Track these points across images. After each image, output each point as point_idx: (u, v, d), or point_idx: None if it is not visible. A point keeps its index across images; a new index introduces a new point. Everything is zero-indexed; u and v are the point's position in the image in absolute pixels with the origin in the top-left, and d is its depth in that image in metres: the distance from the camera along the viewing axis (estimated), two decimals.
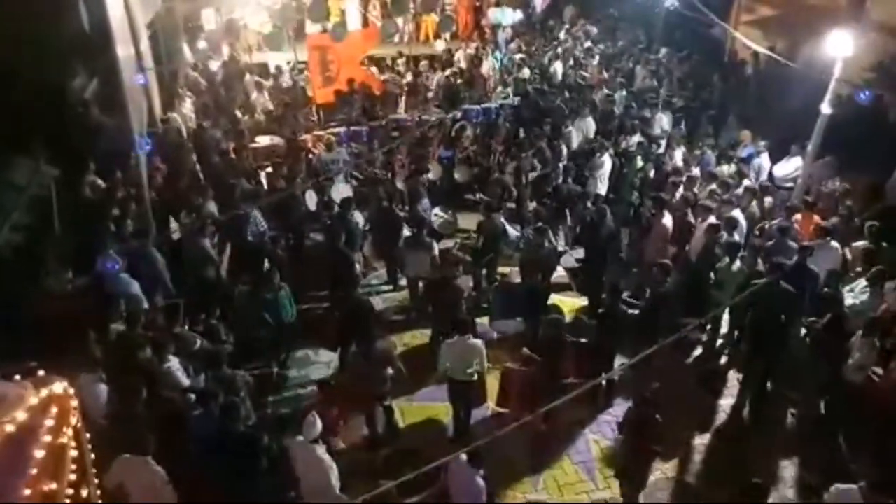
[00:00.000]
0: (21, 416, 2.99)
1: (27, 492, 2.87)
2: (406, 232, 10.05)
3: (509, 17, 18.13)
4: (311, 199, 11.31)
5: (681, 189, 10.63)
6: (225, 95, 14.75)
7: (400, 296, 10.42)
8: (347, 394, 7.50)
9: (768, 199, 10.61)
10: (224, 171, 11.30)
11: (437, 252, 9.52)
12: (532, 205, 11.31)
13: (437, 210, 11.47)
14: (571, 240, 11.37)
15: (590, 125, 13.29)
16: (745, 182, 10.87)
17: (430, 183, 12.22)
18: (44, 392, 3.17)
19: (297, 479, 6.25)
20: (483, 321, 9.20)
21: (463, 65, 16.80)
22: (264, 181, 11.70)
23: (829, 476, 7.30)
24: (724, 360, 9.27)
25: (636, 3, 18.39)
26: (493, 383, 8.02)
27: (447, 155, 12.93)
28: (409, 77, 15.98)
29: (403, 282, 10.37)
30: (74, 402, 3.42)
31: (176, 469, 5.92)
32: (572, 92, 15.02)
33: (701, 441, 7.97)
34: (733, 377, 8.89)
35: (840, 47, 9.06)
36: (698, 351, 9.38)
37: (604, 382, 8.18)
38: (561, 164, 12.09)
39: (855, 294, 8.28)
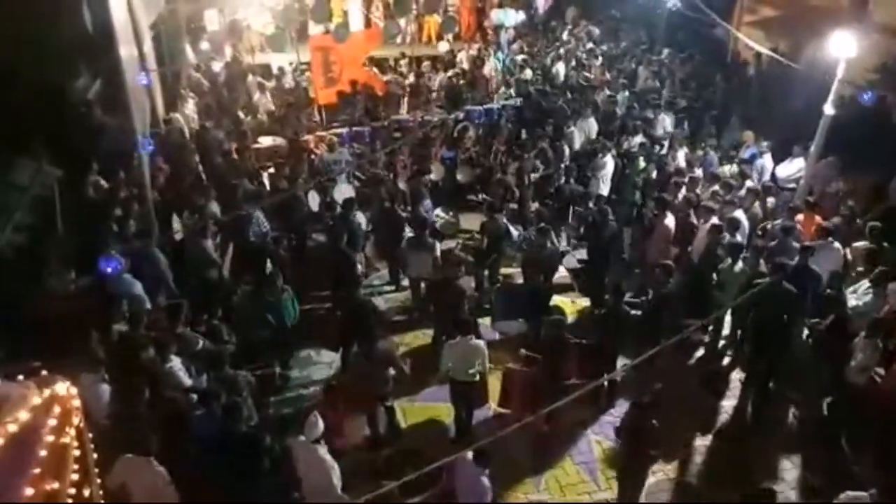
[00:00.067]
0: (24, 415, 3.00)
1: (30, 491, 2.88)
2: (408, 232, 10.05)
3: (512, 17, 18.12)
4: (314, 200, 11.32)
5: (683, 190, 10.61)
6: (227, 96, 14.77)
7: (402, 296, 10.43)
8: (349, 394, 7.50)
9: (771, 200, 10.61)
10: (226, 172, 11.31)
11: (439, 253, 9.53)
12: (534, 205, 11.31)
13: (438, 210, 11.48)
14: (573, 241, 11.38)
15: (592, 126, 13.28)
16: (748, 183, 10.86)
17: (433, 184, 12.23)
18: (46, 392, 3.18)
19: (299, 479, 6.26)
20: (485, 322, 9.20)
21: (465, 66, 16.80)
22: (266, 182, 11.73)
23: (831, 477, 7.32)
24: (726, 361, 9.26)
25: (638, 3, 18.38)
26: (494, 384, 8.02)
27: (449, 156, 12.93)
28: (411, 78, 15.98)
29: (405, 282, 10.37)
30: (77, 402, 3.43)
31: (178, 469, 5.93)
32: (574, 93, 15.02)
33: (703, 442, 7.97)
34: (735, 378, 8.88)
35: (843, 48, 9.05)
36: (700, 352, 9.37)
37: (606, 383, 8.17)
38: (563, 165, 12.09)
39: (858, 295, 8.27)
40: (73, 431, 3.36)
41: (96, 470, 3.73)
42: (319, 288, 9.96)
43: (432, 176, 12.41)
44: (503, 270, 10.48)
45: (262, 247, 9.80)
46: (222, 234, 9.93)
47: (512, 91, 15.21)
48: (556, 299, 9.81)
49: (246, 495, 6.16)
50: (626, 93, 14.75)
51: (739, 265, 8.68)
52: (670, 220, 9.76)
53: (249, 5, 17.18)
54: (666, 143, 12.85)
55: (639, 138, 12.64)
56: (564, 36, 18.97)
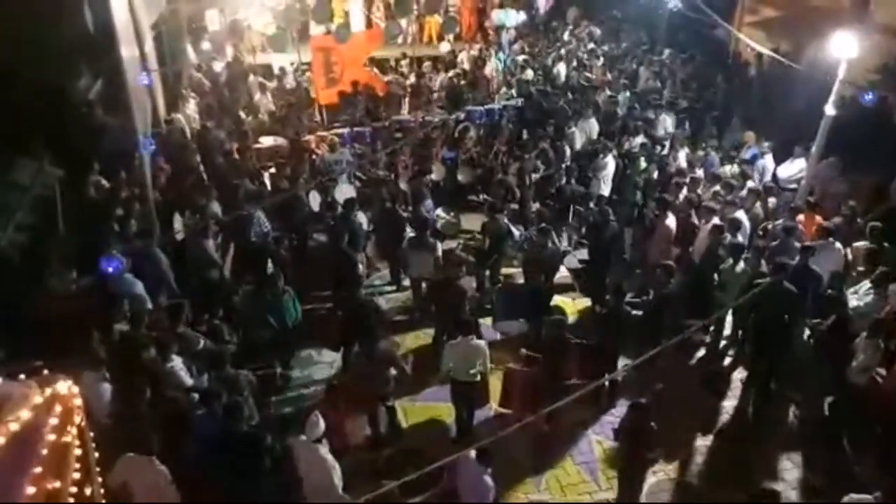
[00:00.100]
0: (25, 414, 3.00)
1: (31, 490, 2.87)
2: (409, 233, 10.06)
3: (513, 18, 18.12)
4: (315, 200, 11.32)
5: (684, 190, 10.62)
6: (229, 96, 14.78)
7: (403, 296, 10.43)
8: (350, 394, 7.50)
9: (772, 201, 10.61)
10: (228, 172, 11.32)
11: (440, 253, 9.53)
12: (535, 206, 11.31)
13: (439, 211, 11.48)
14: (575, 241, 11.38)
15: (593, 126, 13.28)
16: (749, 183, 10.86)
17: (434, 184, 12.23)
18: (48, 391, 3.18)
19: (300, 478, 6.25)
20: (486, 322, 9.20)
21: (466, 66, 16.81)
22: (268, 182, 11.72)
23: (832, 478, 7.32)
24: (727, 361, 9.26)
25: (640, 4, 18.38)
26: (495, 384, 8.02)
27: (450, 156, 12.94)
28: (412, 78, 15.99)
29: (406, 282, 10.38)
30: (78, 401, 3.43)
31: (179, 469, 5.93)
32: (575, 93, 15.02)
33: (704, 442, 7.96)
34: (736, 378, 8.88)
35: (844, 49, 9.04)
36: (701, 352, 9.37)
37: (607, 383, 8.16)
38: (564, 166, 12.09)
39: (859, 296, 8.27)
40: (74, 430, 3.35)
41: (98, 469, 3.73)
42: (320, 288, 9.96)
43: (433, 176, 12.41)
44: (504, 270, 10.48)
45: (264, 247, 9.80)
46: (223, 234, 9.94)
47: (513, 91, 15.22)
48: (558, 299, 9.81)
49: (247, 495, 6.16)
50: (628, 93, 14.75)
51: (741, 265, 8.68)
52: (671, 221, 9.76)
53: (250, 5, 17.19)
54: (667, 144, 12.86)
55: (640, 139, 12.65)
56: (565, 36, 18.98)
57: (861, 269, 8.67)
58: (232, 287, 9.14)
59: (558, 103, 14.16)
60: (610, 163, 11.77)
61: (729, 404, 8.53)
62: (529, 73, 16.02)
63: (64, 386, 3.30)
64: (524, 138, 13.29)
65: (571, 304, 10.13)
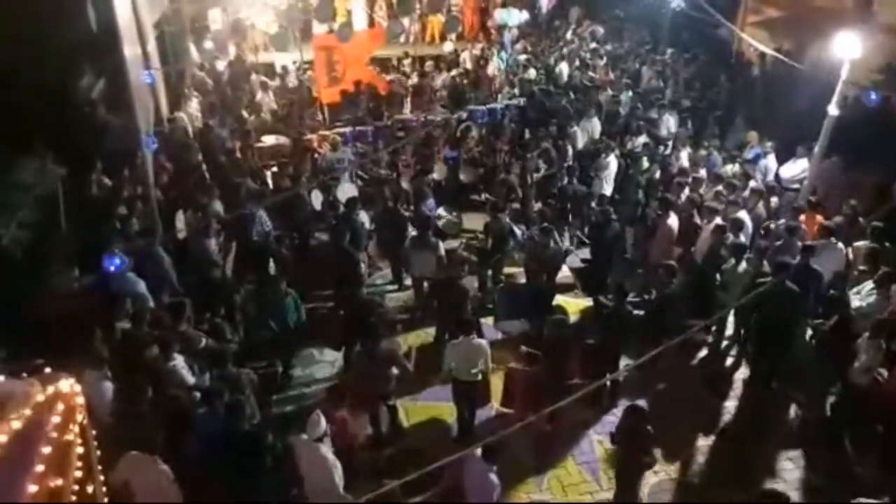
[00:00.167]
0: (28, 412, 3.00)
1: (33, 488, 2.88)
2: (411, 232, 10.06)
3: (515, 17, 18.13)
4: (317, 199, 11.34)
5: (687, 190, 10.61)
6: (231, 95, 14.78)
7: (405, 296, 10.43)
8: (352, 393, 7.51)
9: (774, 200, 10.60)
10: (230, 171, 11.33)
11: (442, 252, 9.52)
12: (537, 205, 11.30)
13: (440, 210, 11.48)
14: (577, 241, 11.37)
15: (595, 126, 13.28)
16: (752, 183, 10.85)
17: (436, 183, 12.22)
18: (50, 389, 3.19)
19: (301, 477, 6.26)
20: (488, 321, 9.20)
21: (469, 65, 16.81)
22: (270, 181, 11.73)
23: (834, 478, 7.32)
24: (729, 361, 9.25)
25: (642, 3, 18.36)
26: (497, 383, 8.02)
27: (452, 155, 12.93)
28: (414, 77, 16.00)
29: (408, 281, 10.38)
30: (81, 400, 3.44)
31: (180, 467, 5.94)
32: (578, 93, 15.02)
33: (705, 442, 7.96)
34: (738, 379, 8.87)
35: (847, 49, 9.03)
36: (703, 352, 9.36)
37: (608, 383, 8.16)
38: (566, 165, 12.08)
39: (862, 296, 8.26)
40: (76, 428, 3.36)
41: (99, 467, 3.73)
42: (322, 287, 9.97)
43: (435, 175, 12.40)
44: (506, 270, 10.48)
45: (265, 246, 9.81)
46: (225, 232, 9.93)
47: (515, 91, 15.21)
48: (559, 299, 9.81)
49: (248, 493, 6.16)
50: (630, 93, 14.73)
51: (743, 265, 8.67)
52: (674, 221, 9.75)
53: (253, 4, 17.21)
54: (669, 144, 12.84)
55: (642, 138, 12.64)
56: (568, 36, 18.98)
57: (862, 268, 8.65)
58: (234, 286, 9.15)
59: (561, 103, 14.14)
60: (612, 162, 11.77)
61: (730, 404, 8.53)
62: (532, 73, 16.02)
63: (66, 384, 3.31)
64: (526, 138, 13.29)
65: (573, 304, 10.12)
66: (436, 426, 8.15)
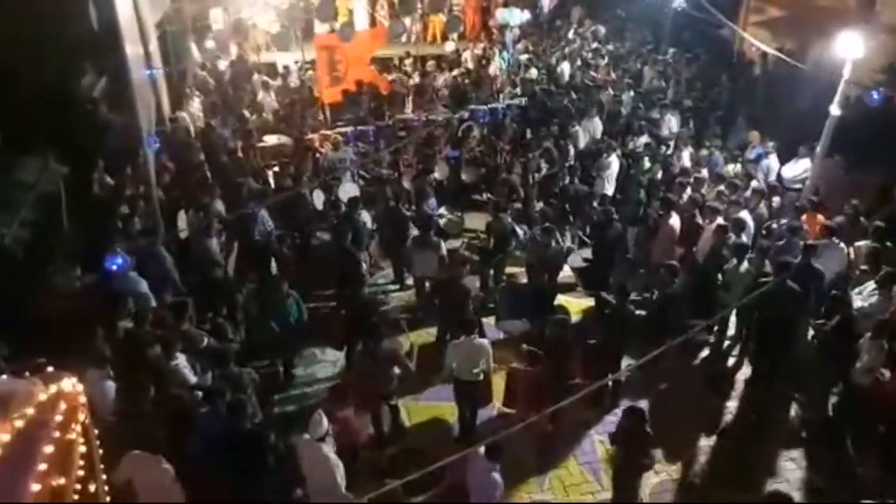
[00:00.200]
0: (30, 411, 3.01)
1: (36, 487, 2.88)
2: (413, 231, 10.05)
3: (517, 17, 18.12)
4: (318, 199, 11.34)
5: (688, 190, 10.60)
6: (233, 95, 14.79)
7: (406, 295, 10.43)
8: (354, 393, 7.51)
9: (776, 200, 10.59)
10: (231, 170, 11.33)
11: (444, 252, 9.52)
12: (539, 205, 11.30)
13: (442, 210, 11.48)
14: (578, 240, 11.37)
15: (597, 126, 13.28)
16: (753, 183, 10.84)
17: (437, 183, 12.22)
18: (52, 388, 3.19)
19: (303, 477, 6.27)
20: (490, 321, 9.20)
21: (470, 65, 16.81)
22: (271, 180, 11.73)
23: (835, 478, 7.31)
24: (731, 361, 9.24)
25: (644, 3, 18.36)
26: (499, 383, 8.02)
27: (454, 155, 12.93)
28: (416, 77, 15.99)
29: (410, 281, 10.37)
30: (83, 399, 3.44)
31: (182, 466, 5.94)
32: (579, 92, 15.01)
33: (707, 442, 7.95)
34: (740, 379, 8.87)
35: (850, 49, 9.02)
36: (705, 352, 9.35)
37: (610, 383, 8.16)
38: (568, 165, 12.08)
39: (864, 297, 8.25)
40: (78, 427, 3.36)
41: (102, 466, 3.74)
42: (324, 287, 9.97)
43: (437, 175, 12.40)
44: (508, 270, 10.48)
45: (267, 245, 9.81)
46: (227, 232, 9.95)
47: (517, 90, 15.21)
48: (561, 298, 9.80)
49: (250, 493, 6.17)
50: (632, 92, 14.74)
51: (745, 265, 8.66)
52: (675, 221, 9.75)
53: (255, 4, 17.22)
54: (671, 143, 12.83)
55: (644, 138, 12.64)
56: (570, 35, 18.98)
57: (863, 268, 8.65)
58: (236, 285, 9.15)
59: (562, 102, 14.15)
60: (614, 162, 11.77)
61: (732, 405, 8.52)
62: (533, 73, 16.02)
63: (68, 383, 3.31)
64: (528, 137, 13.28)
65: (575, 304, 10.11)
66: (437, 426, 8.15)
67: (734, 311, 8.87)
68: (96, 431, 3.66)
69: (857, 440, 7.65)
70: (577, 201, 11.40)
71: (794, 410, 8.36)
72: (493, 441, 5.90)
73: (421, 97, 15.20)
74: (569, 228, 11.18)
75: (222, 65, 16.01)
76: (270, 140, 13.35)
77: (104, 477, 3.79)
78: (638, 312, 8.05)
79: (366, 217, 10.36)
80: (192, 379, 6.99)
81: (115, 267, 7.81)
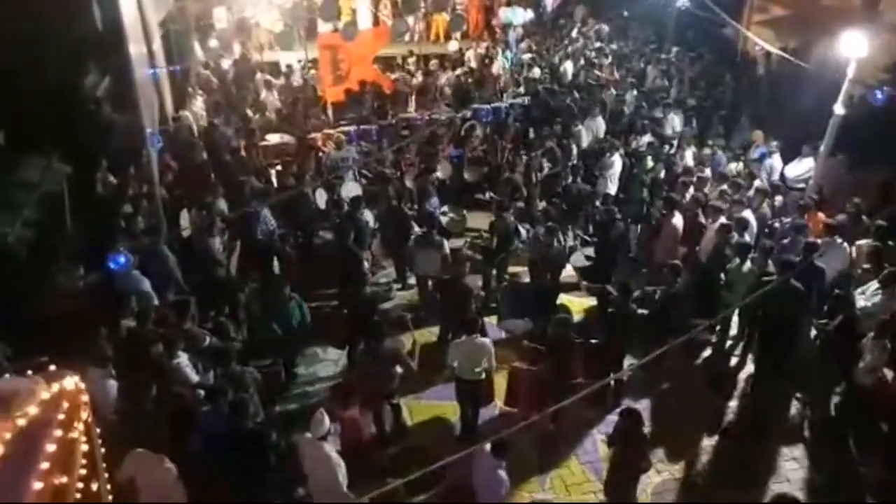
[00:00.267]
0: (33, 410, 3.01)
1: (38, 485, 2.88)
2: (416, 230, 10.05)
3: (520, 16, 18.12)
4: (321, 198, 11.34)
5: (691, 189, 10.58)
6: (236, 94, 14.82)
7: (408, 294, 10.44)
8: (356, 392, 7.52)
9: (778, 199, 10.57)
10: (234, 169, 11.35)
11: (447, 251, 9.51)
12: (542, 204, 11.29)
13: (445, 209, 11.48)
14: (581, 240, 11.36)
15: (600, 125, 13.26)
16: (756, 183, 10.82)
17: (440, 182, 12.22)
18: (55, 387, 3.20)
19: (305, 476, 6.28)
20: (492, 320, 9.20)
21: (473, 64, 16.80)
22: (274, 179, 11.75)
23: (838, 478, 7.29)
24: (733, 361, 9.23)
25: (648, 2, 18.33)
26: (500, 382, 8.02)
27: (457, 154, 12.93)
28: (419, 76, 15.99)
29: (412, 280, 10.38)
30: (85, 397, 3.45)
31: (184, 465, 5.96)
32: (582, 91, 14.99)
33: (709, 442, 7.94)
34: (742, 378, 8.85)
35: (853, 48, 9.00)
36: (708, 352, 9.34)
37: (612, 383, 8.15)
38: (571, 164, 12.06)
39: (867, 296, 8.23)
40: (81, 426, 3.37)
41: (104, 464, 3.75)
42: (326, 286, 9.97)
43: (439, 174, 12.40)
44: (510, 269, 10.47)
45: (270, 244, 9.83)
46: (230, 231, 9.95)
47: (520, 90, 15.19)
48: (563, 298, 9.79)
49: (252, 491, 6.19)
50: (635, 92, 14.71)
51: (748, 265, 8.64)
52: (678, 220, 9.74)
53: (258, 3, 17.25)
54: (674, 143, 12.81)
55: (647, 137, 12.61)
56: (573, 34, 18.95)
57: (865, 267, 8.63)
58: (238, 284, 9.17)
59: (565, 102, 14.12)
60: (617, 161, 11.75)
61: (735, 404, 8.50)
62: (536, 72, 16.00)
63: (71, 382, 3.32)
64: (531, 136, 13.28)
65: (577, 303, 10.11)
66: (439, 425, 8.15)
67: (737, 311, 8.86)
68: (98, 430, 3.67)
69: (859, 440, 7.63)
70: (579, 200, 11.39)
71: (796, 410, 8.35)
72: (500, 438, 5.90)
73: (424, 96, 15.20)
74: (571, 228, 11.19)
75: (225, 64, 16.04)
76: (273, 139, 13.36)
77: (106, 475, 3.80)
78: (640, 312, 8.03)
79: (368, 216, 10.35)
80: (195, 378, 7.00)
81: (117, 266, 7.83)
